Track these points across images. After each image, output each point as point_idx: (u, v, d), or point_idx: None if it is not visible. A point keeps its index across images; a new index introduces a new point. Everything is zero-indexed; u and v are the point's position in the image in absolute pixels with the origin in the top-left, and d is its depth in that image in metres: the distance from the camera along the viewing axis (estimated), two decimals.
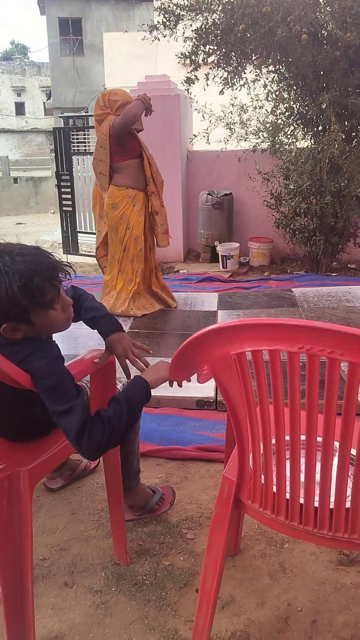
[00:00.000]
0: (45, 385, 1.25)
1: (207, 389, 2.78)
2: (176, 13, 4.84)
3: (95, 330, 1.63)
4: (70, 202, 7.45)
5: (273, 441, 1.17)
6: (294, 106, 5.27)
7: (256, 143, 5.84)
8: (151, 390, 1.39)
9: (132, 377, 1.39)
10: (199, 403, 2.75)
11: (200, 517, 1.91)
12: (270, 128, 5.53)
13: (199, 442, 2.36)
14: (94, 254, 7.09)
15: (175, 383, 1.40)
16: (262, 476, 1.21)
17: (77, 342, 3.37)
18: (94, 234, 7.41)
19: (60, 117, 8.59)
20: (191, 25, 4.86)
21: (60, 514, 1.95)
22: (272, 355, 1.04)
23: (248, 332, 1.07)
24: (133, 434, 1.83)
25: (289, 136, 5.49)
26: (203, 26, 4.76)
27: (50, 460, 1.44)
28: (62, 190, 7.46)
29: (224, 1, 4.60)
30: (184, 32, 4.90)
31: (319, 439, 1.09)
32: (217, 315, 4.08)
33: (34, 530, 1.80)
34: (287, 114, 5.35)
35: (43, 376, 1.26)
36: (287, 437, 1.13)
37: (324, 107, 4.64)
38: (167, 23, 4.89)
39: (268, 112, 5.54)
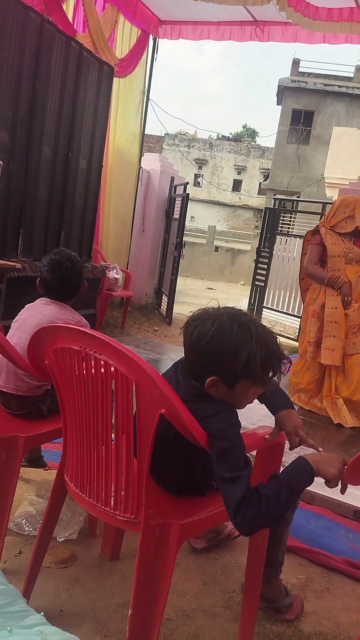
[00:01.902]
0: (219, 447, 1.29)
1: None
2: None
3: (263, 405, 1.64)
4: (263, 278, 7.70)
5: None
6: None
7: None
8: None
9: (297, 458, 1.35)
10: (357, 514, 2.52)
11: (336, 638, 1.73)
12: None
13: (350, 555, 2.17)
14: (274, 331, 7.19)
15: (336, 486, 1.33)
16: None
17: (240, 412, 3.36)
18: (278, 311, 7.54)
19: (274, 198, 9.03)
20: None
21: (192, 579, 1.93)
22: None
23: None
24: (284, 523, 1.76)
25: None
26: None
27: (204, 522, 1.45)
28: (259, 265, 7.76)
29: None
30: None
31: None
32: None
33: None
34: None
35: (219, 438, 1.30)
36: None
37: None
38: None
39: None
